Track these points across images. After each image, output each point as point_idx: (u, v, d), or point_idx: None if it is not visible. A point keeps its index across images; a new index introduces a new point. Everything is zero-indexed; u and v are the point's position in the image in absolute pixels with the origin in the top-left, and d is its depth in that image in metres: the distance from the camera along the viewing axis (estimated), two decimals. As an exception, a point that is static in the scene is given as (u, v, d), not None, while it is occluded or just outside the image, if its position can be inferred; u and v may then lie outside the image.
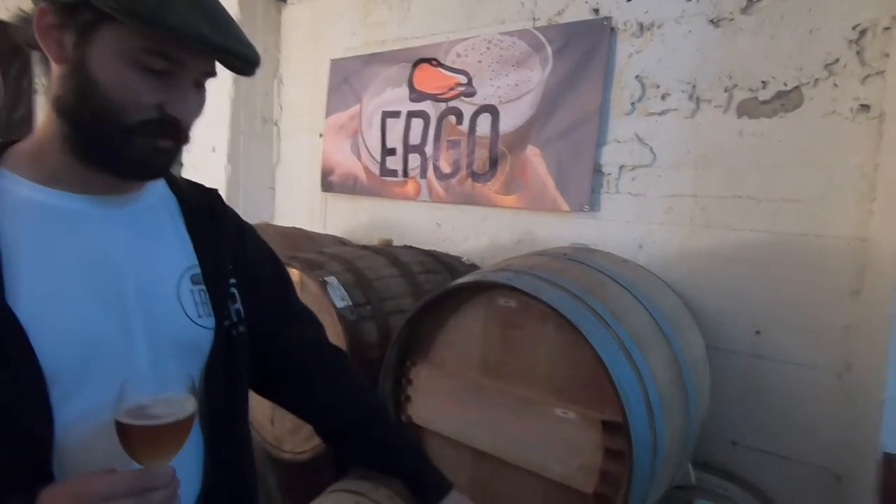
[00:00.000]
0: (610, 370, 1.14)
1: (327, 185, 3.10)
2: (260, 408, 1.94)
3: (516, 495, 1.31)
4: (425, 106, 2.67)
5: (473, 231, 2.61)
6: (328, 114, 3.06)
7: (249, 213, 3.18)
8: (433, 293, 1.38)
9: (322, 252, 1.93)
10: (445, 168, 2.63)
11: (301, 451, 1.76)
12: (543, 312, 1.26)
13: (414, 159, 2.74)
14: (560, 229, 2.33)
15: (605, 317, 1.27)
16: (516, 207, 2.44)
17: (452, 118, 2.58)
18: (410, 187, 2.76)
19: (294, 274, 1.77)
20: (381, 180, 2.87)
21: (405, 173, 2.77)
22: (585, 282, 1.41)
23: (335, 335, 1.64)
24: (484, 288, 1.35)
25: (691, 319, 1.79)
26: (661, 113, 2.12)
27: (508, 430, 1.30)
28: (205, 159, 3.25)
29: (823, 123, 1.82)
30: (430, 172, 2.68)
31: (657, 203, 2.13)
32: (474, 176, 2.54)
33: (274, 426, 1.87)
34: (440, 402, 1.42)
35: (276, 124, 3.39)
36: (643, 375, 1.19)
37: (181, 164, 3.59)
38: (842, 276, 1.79)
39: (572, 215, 2.29)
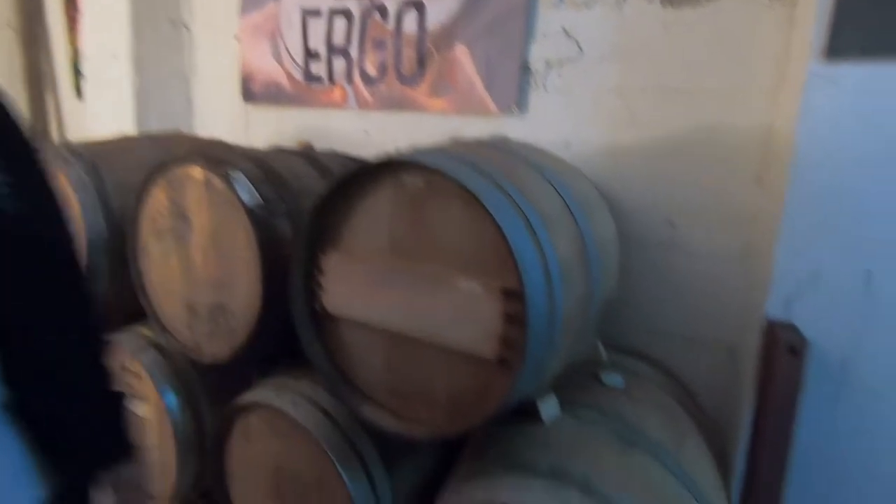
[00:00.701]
0: (510, 240, 1.15)
1: (248, 94, 2.89)
2: (177, 315, 1.88)
3: (428, 375, 1.35)
4: (348, 2, 2.48)
5: (404, 138, 2.52)
6: (242, 12, 2.80)
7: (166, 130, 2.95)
8: (337, 176, 1.32)
9: (231, 150, 1.82)
10: (372, 71, 2.49)
11: (220, 354, 1.74)
12: (451, 189, 1.23)
13: (339, 63, 2.57)
14: (489, 131, 2.28)
15: (512, 192, 1.26)
16: (445, 111, 2.36)
17: (377, 15, 2.42)
18: (337, 94, 2.62)
19: (196, 172, 1.66)
20: (306, 87, 2.70)
21: (330, 79, 2.61)
22: (496, 164, 1.39)
23: (245, 232, 1.58)
24: (391, 168, 1.31)
25: (605, 205, 1.83)
26: (588, 5, 2.05)
27: (419, 308, 1.31)
28: (107, 68, 2.95)
29: (742, 11, 1.82)
30: (357, 77, 2.54)
31: (583, 100, 2.10)
32: (402, 79, 2.42)
33: (192, 331, 1.82)
34: (352, 289, 1.40)
35: (186, 28, 3.08)
36: (544, 247, 1.21)
37: (82, 75, 3.24)
38: (749, 164, 1.86)
39: (501, 117, 2.24)
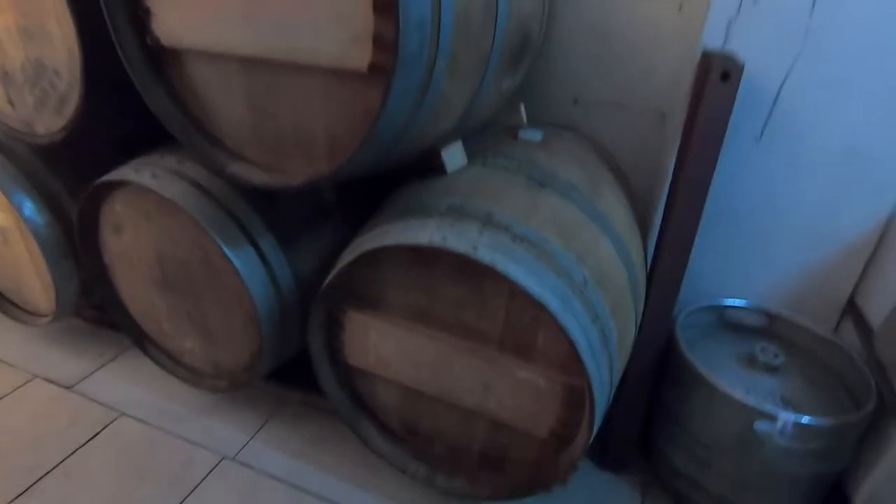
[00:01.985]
0: None
1: None
2: (-4, 91, 1.48)
3: (298, 109, 1.09)
4: None
5: None
6: None
7: None
8: None
9: None
10: None
11: (56, 128, 1.40)
12: None
13: None
14: None
15: None
16: None
17: None
18: None
19: None
20: None
21: None
22: None
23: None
24: None
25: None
26: None
27: (274, 17, 1.00)
28: None
29: None
30: None
31: None
32: None
33: (15, 108, 1.45)
34: (187, 10, 1.06)
35: None
36: None
37: None
38: None
39: None
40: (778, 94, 1.41)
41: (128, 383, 1.86)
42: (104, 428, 1.69)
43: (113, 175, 1.38)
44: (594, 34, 1.79)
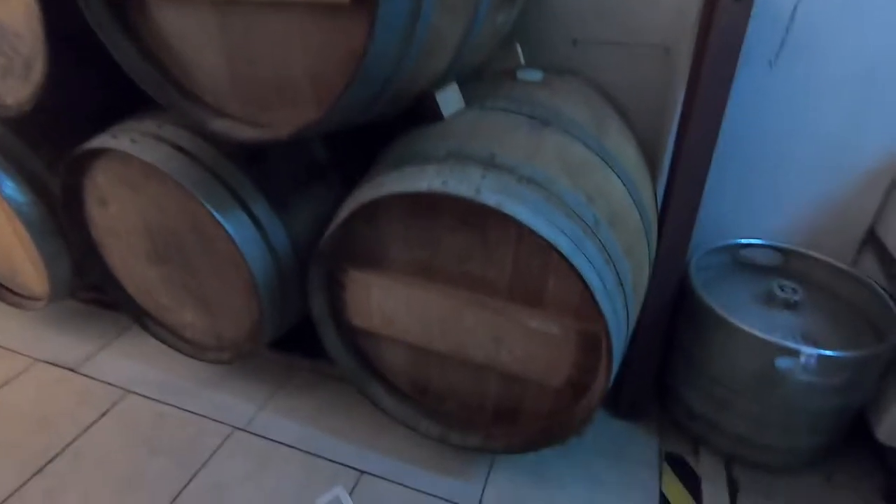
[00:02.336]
0: None
1: None
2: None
3: (280, 51, 1.00)
4: None
5: None
6: None
7: None
8: None
9: None
10: None
11: (25, 97, 1.32)
12: None
13: None
14: None
15: None
16: None
17: None
18: None
19: None
20: None
21: None
22: None
23: None
24: None
25: None
26: None
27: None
28: None
29: None
30: None
31: None
32: None
33: (-20, 77, 1.36)
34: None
35: None
36: None
37: None
38: None
39: None
40: (793, 14, 1.31)
41: (132, 361, 1.83)
42: (112, 406, 1.67)
43: (90, 143, 1.30)
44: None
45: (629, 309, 1.07)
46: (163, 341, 1.72)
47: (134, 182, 1.36)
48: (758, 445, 1.40)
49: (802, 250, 1.54)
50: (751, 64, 1.38)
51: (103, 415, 1.64)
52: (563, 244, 0.93)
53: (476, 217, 1.03)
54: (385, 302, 1.23)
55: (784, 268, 1.57)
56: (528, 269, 1.05)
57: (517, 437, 1.32)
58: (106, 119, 1.43)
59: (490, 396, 1.31)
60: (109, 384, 1.75)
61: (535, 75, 1.40)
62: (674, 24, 1.67)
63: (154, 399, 1.69)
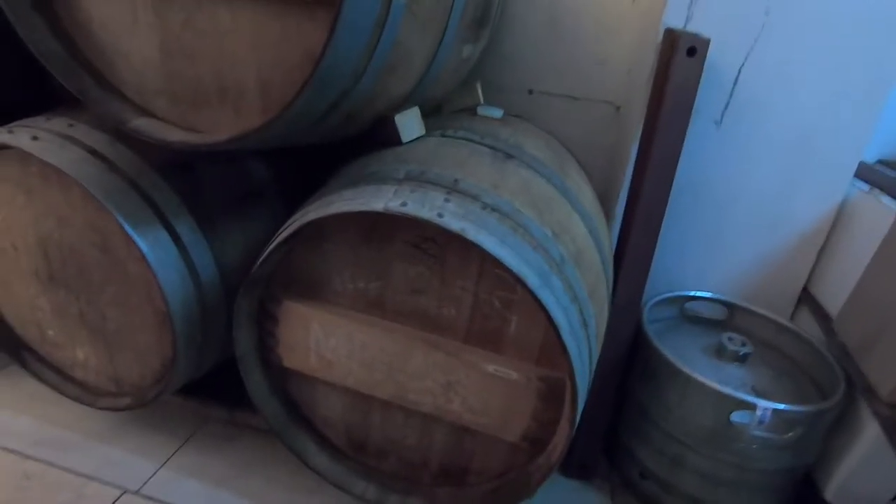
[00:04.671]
0: None
1: None
2: None
3: (219, 43, 0.89)
4: None
5: None
6: None
7: None
8: None
9: None
10: None
11: None
12: None
13: None
14: None
15: None
16: None
17: None
18: None
19: None
20: None
21: None
22: None
23: None
24: None
25: None
26: None
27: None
28: None
29: None
30: None
31: None
32: None
33: None
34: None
35: None
36: None
37: None
38: None
39: None
40: (737, 78, 1.39)
41: (0, 407, 1.51)
42: (-37, 464, 1.34)
43: (-20, 138, 1.10)
44: (547, 23, 1.73)
45: (592, 355, 1.00)
46: (46, 382, 1.43)
47: (30, 187, 1.15)
48: (710, 507, 1.34)
49: (746, 305, 1.56)
50: (699, 122, 1.44)
51: (-51, 475, 1.31)
52: (531, 278, 0.85)
53: (433, 248, 0.94)
54: (325, 339, 1.08)
55: (729, 322, 1.59)
56: (488, 305, 0.96)
57: (464, 499, 1.17)
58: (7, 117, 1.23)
59: (436, 452, 1.16)
60: (-35, 436, 1.42)
61: (496, 112, 1.38)
62: (624, 84, 1.74)
63: (22, 454, 1.38)
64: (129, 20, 0.91)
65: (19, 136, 1.08)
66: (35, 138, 1.07)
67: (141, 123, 0.96)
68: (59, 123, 1.13)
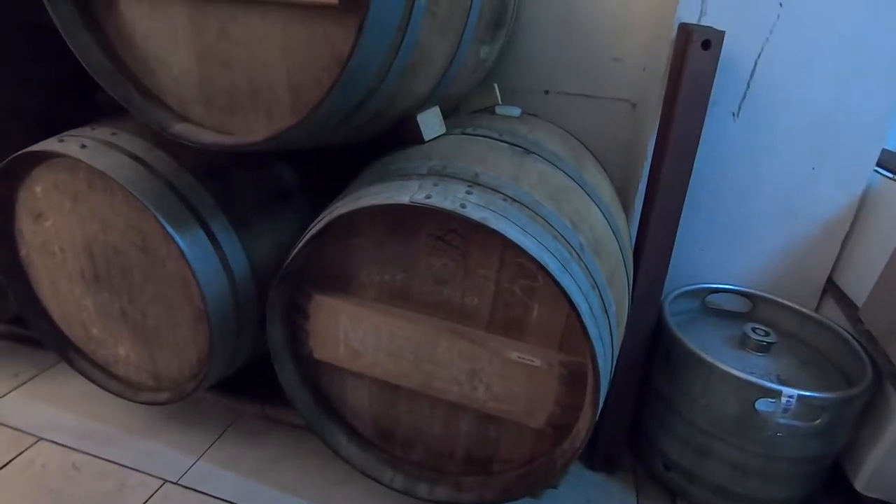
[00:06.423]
0: None
1: None
2: None
3: (251, 50, 0.95)
4: None
5: None
6: None
7: None
8: None
9: None
10: None
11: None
12: None
13: None
14: None
15: None
16: None
17: None
18: None
19: None
20: None
21: None
22: None
23: None
24: None
25: None
26: None
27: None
28: None
29: None
30: None
31: None
32: None
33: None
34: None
35: None
36: None
37: None
38: None
39: None
40: (754, 68, 1.40)
41: (49, 404, 1.60)
42: (17, 455, 1.42)
43: (35, 147, 1.18)
44: (561, 24, 1.76)
45: (613, 340, 1.02)
46: (90, 379, 1.51)
47: (78, 193, 1.23)
48: (737, 496, 1.33)
49: (769, 296, 1.56)
50: (715, 114, 1.45)
51: (6, 465, 1.39)
52: (552, 265, 0.88)
53: (456, 240, 0.98)
54: (353, 331, 1.13)
55: (752, 314, 1.58)
56: (510, 294, 0.99)
57: (490, 487, 1.20)
58: (49, 126, 1.32)
59: (462, 440, 1.20)
60: (17, 430, 1.50)
61: (514, 111, 1.41)
62: (639, 81, 1.76)
63: (70, 447, 1.46)
64: (170, 33, 0.98)
65: (69, 144, 1.16)
66: (83, 146, 1.15)
67: (181, 128, 1.03)
68: (103, 132, 1.21)
